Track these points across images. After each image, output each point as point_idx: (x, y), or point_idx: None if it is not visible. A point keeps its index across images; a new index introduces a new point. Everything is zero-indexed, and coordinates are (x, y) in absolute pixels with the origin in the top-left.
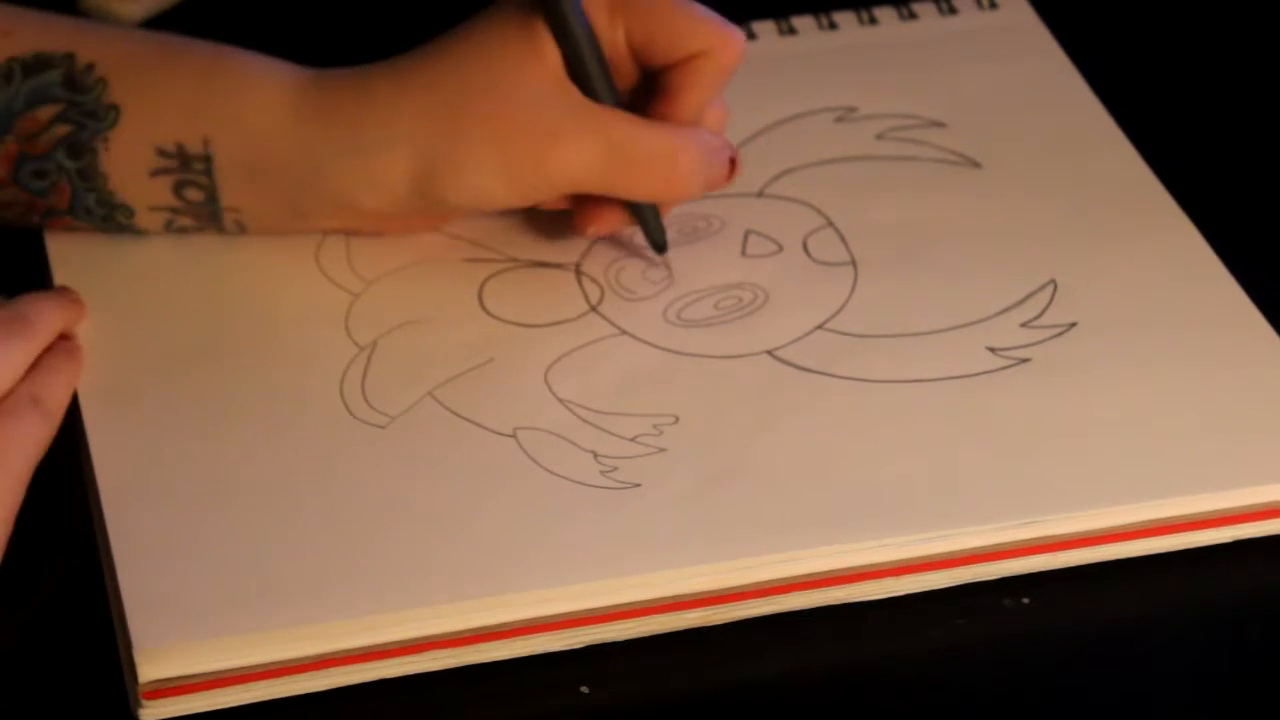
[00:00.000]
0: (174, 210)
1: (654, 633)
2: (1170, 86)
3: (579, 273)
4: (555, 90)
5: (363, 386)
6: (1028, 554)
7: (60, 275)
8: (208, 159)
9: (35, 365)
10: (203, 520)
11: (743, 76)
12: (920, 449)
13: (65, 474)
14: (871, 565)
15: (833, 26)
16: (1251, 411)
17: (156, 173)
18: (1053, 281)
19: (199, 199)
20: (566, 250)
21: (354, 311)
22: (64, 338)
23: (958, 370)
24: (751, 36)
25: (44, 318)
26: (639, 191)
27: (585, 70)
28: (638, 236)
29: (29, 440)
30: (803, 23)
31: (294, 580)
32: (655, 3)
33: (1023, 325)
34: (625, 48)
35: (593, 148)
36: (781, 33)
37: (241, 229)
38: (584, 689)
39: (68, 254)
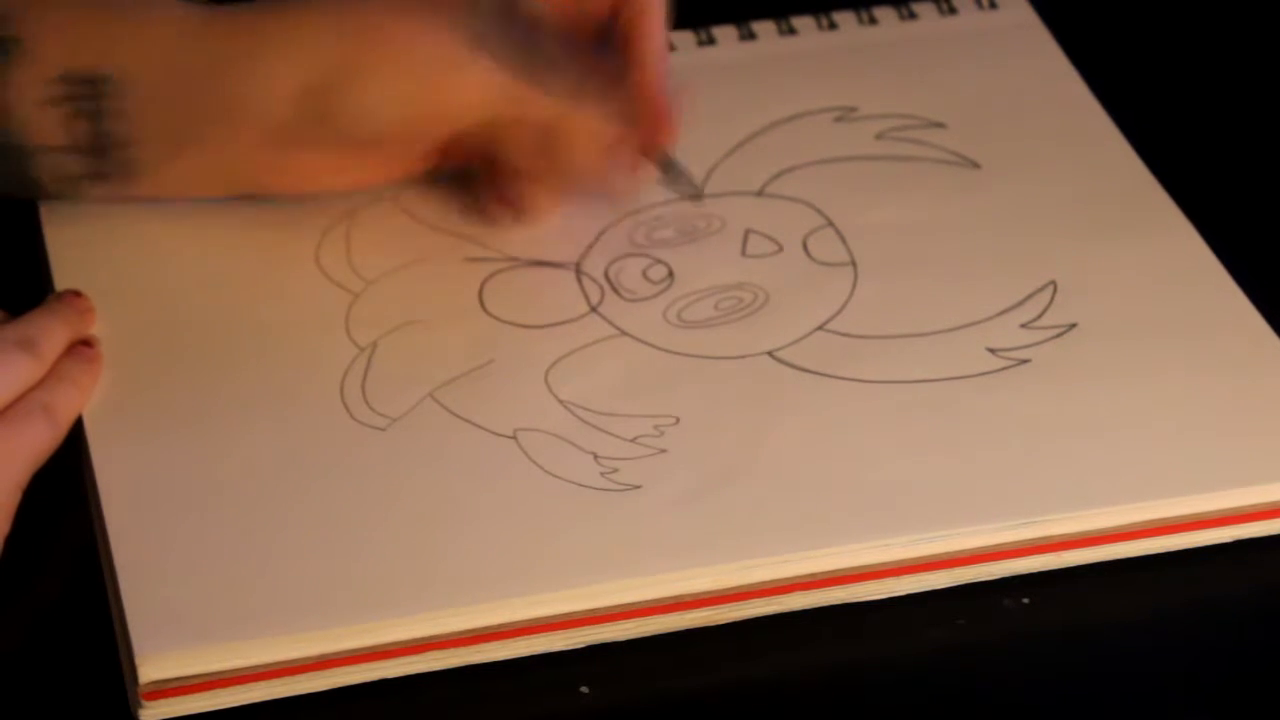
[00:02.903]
0: (65, 150)
1: (654, 633)
2: (1170, 87)
3: (579, 273)
4: (465, 24)
5: (363, 389)
6: (1028, 554)
7: (60, 276)
8: (107, 80)
9: (52, 371)
10: (203, 522)
11: (743, 76)
12: (920, 449)
13: (66, 475)
14: (871, 565)
15: (833, 26)
16: (1251, 412)
17: (56, 102)
18: (1053, 282)
19: (91, 129)
20: (566, 250)
21: (354, 311)
22: (85, 344)
23: (958, 371)
24: (751, 36)
25: (50, 337)
26: (533, 131)
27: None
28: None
29: (32, 446)
30: (803, 23)
31: (294, 582)
32: None
33: (1022, 326)
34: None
35: (491, 87)
36: (781, 33)
37: (130, 177)
38: (584, 689)
39: (68, 256)
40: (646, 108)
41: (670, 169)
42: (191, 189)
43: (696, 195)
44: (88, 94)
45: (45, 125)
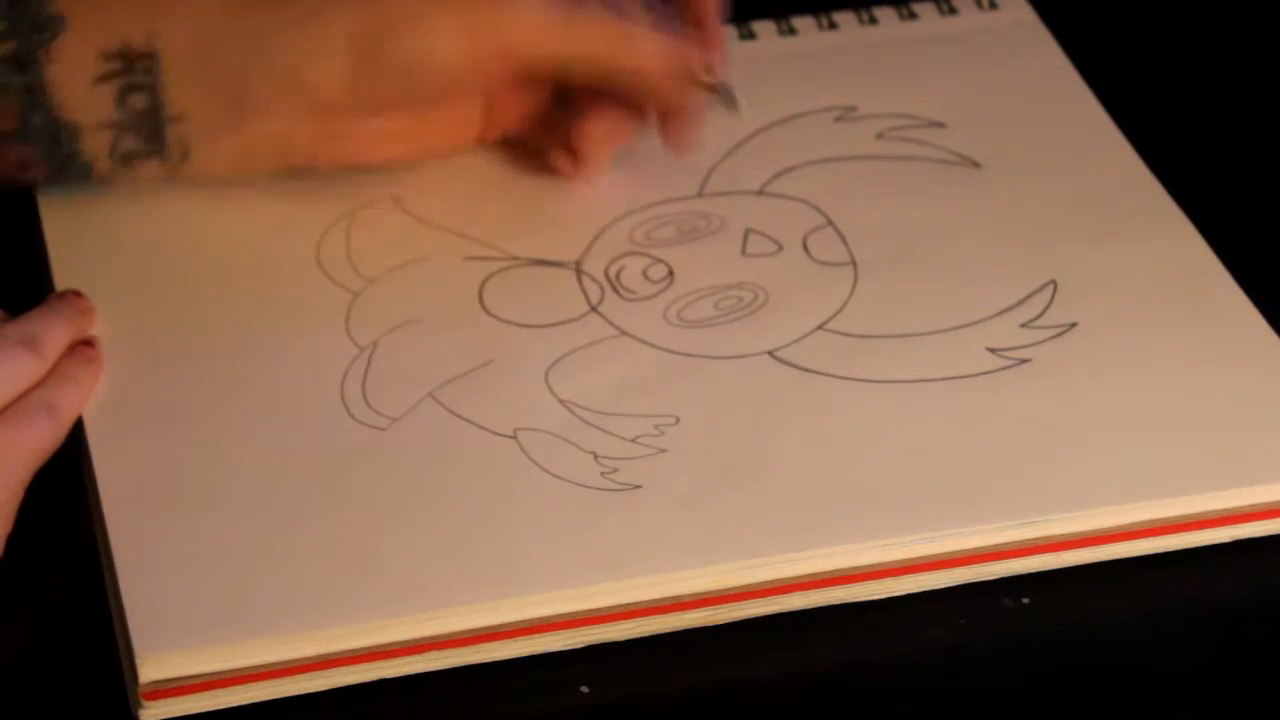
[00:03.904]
0: (119, 126)
1: (654, 633)
2: (1170, 87)
3: (579, 272)
4: None
5: (363, 388)
6: (1028, 554)
7: (60, 277)
8: (153, 54)
9: (53, 371)
10: (203, 522)
11: (743, 76)
12: (920, 449)
13: (66, 475)
14: (871, 565)
15: (833, 26)
16: (1251, 411)
17: (101, 79)
18: (1053, 282)
19: (143, 105)
20: (566, 250)
21: (354, 311)
22: (86, 344)
23: (958, 370)
24: (751, 36)
25: (52, 336)
26: (595, 49)
27: None
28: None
29: (33, 445)
30: (803, 23)
31: (294, 582)
32: None
33: (1022, 325)
34: None
35: (548, 11)
36: (781, 33)
37: (186, 152)
38: (584, 689)
39: (68, 256)
40: (704, 24)
41: (723, 89)
42: (246, 165)
43: (738, 108)
44: (137, 70)
45: (95, 103)
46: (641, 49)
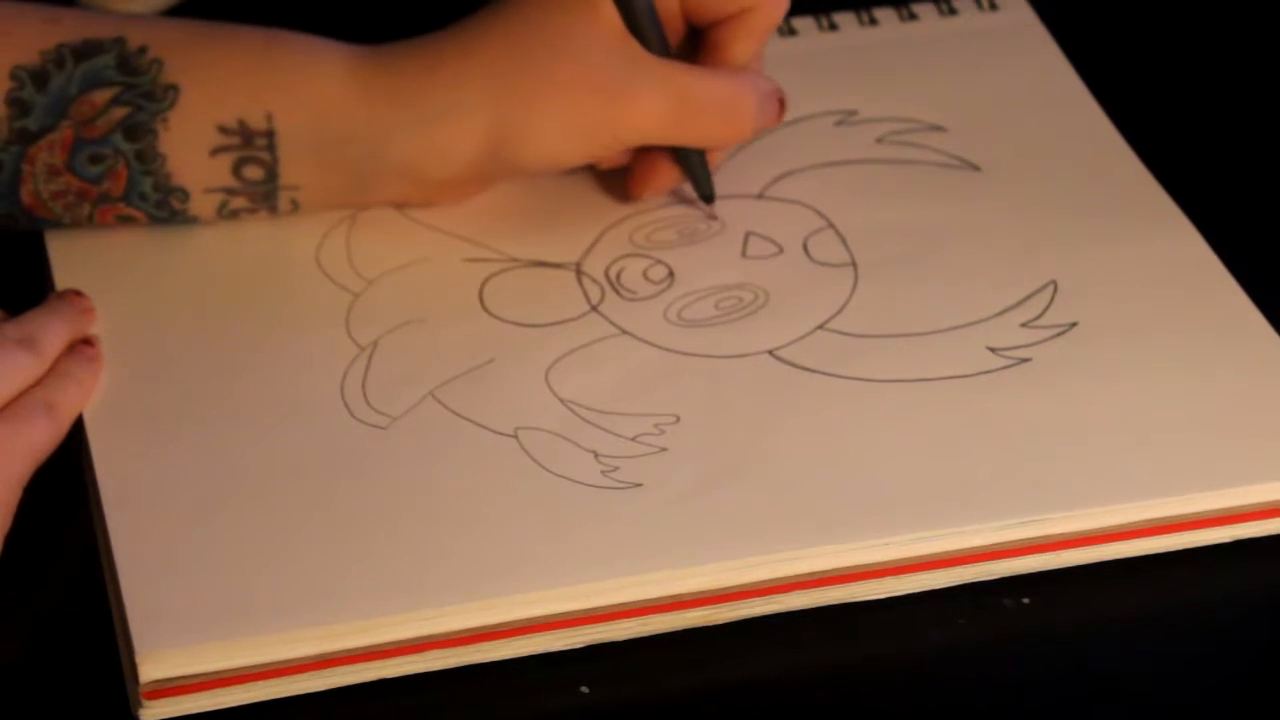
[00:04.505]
0: (230, 191)
1: (654, 633)
2: (1170, 88)
3: (579, 273)
4: (618, 46)
5: (364, 388)
6: (1028, 554)
7: (61, 277)
8: (271, 134)
9: (53, 369)
10: (203, 521)
11: None
12: (920, 449)
13: (67, 474)
14: (871, 565)
15: (833, 27)
16: (1251, 411)
17: (217, 151)
18: (1053, 282)
19: (258, 177)
20: (566, 250)
21: (354, 311)
22: (86, 343)
23: (958, 370)
24: None
25: (51, 335)
26: (705, 137)
27: (642, 25)
28: (686, 189)
29: (33, 444)
30: (803, 23)
31: (294, 581)
32: None
33: (1023, 325)
34: (676, 4)
35: (662, 100)
36: (781, 33)
37: (296, 207)
38: (584, 689)
39: (68, 256)
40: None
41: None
42: (342, 207)
43: (709, 197)
44: (254, 145)
45: (210, 172)
46: (745, 126)
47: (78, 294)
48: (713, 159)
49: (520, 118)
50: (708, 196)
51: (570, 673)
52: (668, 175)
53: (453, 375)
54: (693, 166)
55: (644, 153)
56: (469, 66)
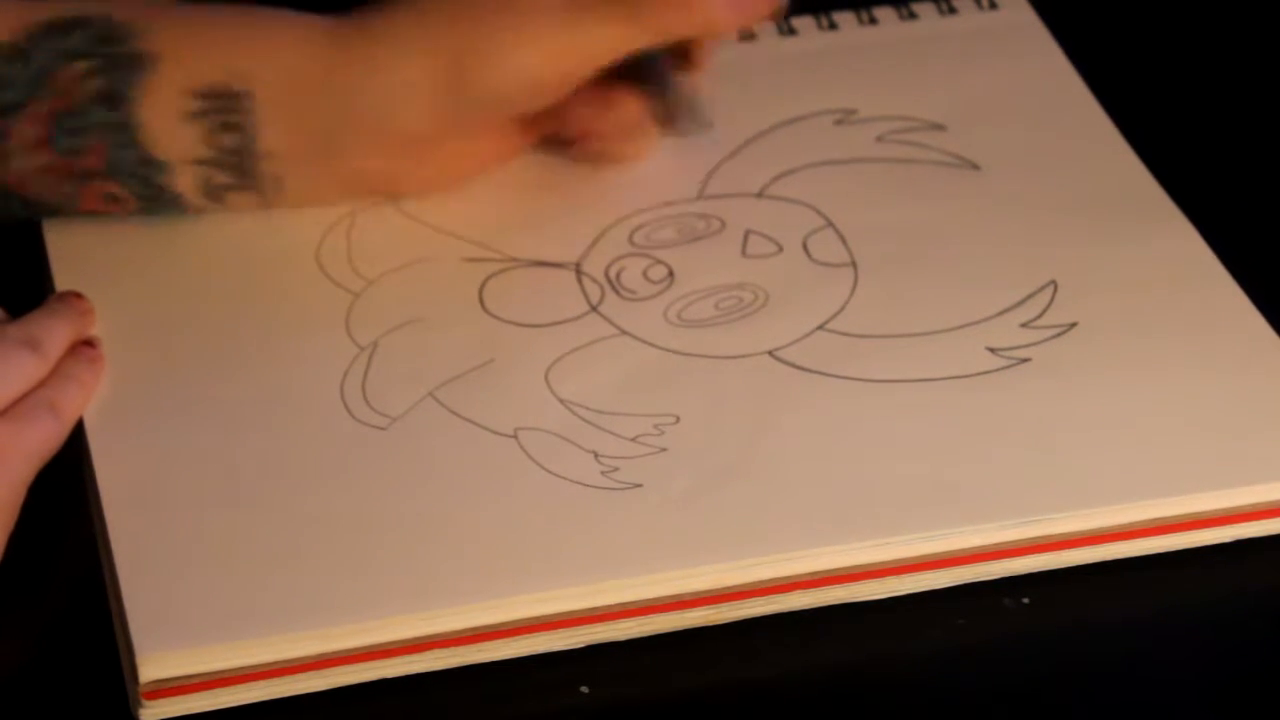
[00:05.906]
0: (209, 163)
1: (654, 633)
2: (1170, 87)
3: (579, 273)
4: None
5: (363, 388)
6: (1028, 554)
7: (61, 277)
8: (246, 95)
9: (55, 371)
10: (203, 521)
11: (743, 78)
12: (920, 449)
13: (67, 474)
14: (871, 565)
15: (833, 27)
16: (1251, 411)
17: (193, 116)
18: (1053, 282)
19: (234, 144)
20: (566, 250)
21: (354, 311)
22: (88, 344)
23: (958, 370)
24: (751, 36)
25: (53, 336)
26: (672, 24)
27: None
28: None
29: (36, 444)
30: (803, 23)
31: (295, 582)
32: None
33: (1023, 325)
34: None
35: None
36: (781, 33)
37: (279, 185)
38: (584, 689)
39: (68, 256)
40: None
41: (696, 107)
42: (340, 195)
43: (710, 126)
44: (226, 109)
45: (185, 140)
46: (714, 14)
47: (78, 296)
48: (695, 64)
49: (477, 41)
50: (689, 121)
51: (570, 673)
52: (636, 108)
53: (452, 375)
54: (667, 88)
55: (612, 97)
56: (425, 9)
